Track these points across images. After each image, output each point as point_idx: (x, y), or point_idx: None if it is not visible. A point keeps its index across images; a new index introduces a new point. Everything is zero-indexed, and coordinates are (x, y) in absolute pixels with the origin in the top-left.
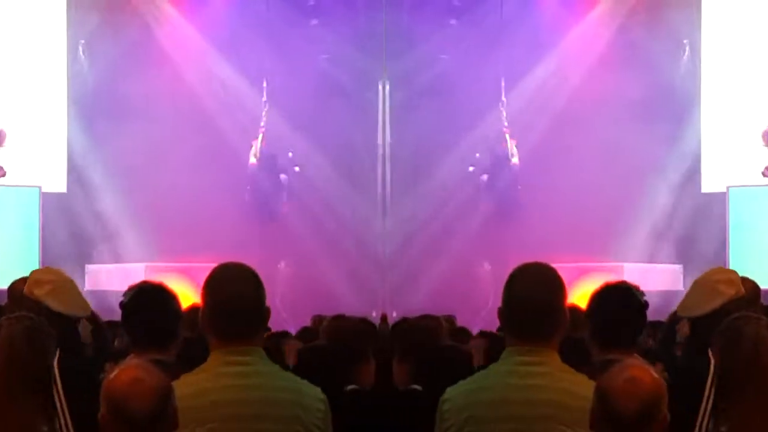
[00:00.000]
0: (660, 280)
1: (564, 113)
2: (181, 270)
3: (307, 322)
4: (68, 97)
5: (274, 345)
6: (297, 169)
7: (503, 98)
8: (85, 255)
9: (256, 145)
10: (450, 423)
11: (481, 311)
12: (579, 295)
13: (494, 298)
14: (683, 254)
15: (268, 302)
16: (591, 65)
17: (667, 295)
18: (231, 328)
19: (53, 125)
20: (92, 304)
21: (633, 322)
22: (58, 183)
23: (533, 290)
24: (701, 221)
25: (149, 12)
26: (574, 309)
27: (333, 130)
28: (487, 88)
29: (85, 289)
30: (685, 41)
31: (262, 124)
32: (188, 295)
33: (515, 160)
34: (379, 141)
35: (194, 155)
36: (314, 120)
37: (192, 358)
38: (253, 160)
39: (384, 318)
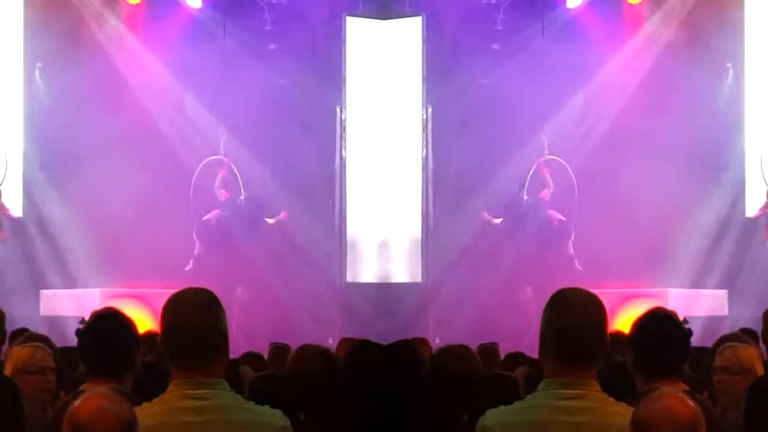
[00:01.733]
0: (705, 306)
1: (606, 138)
2: (137, 295)
3: (265, 349)
4: (24, 121)
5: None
6: (270, 221)
7: (544, 128)
8: (39, 280)
9: (230, 180)
10: None
11: (524, 338)
12: (623, 322)
13: (537, 324)
14: (728, 280)
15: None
16: (633, 90)
17: (712, 321)
18: (186, 354)
19: (8, 149)
20: (47, 330)
21: (677, 352)
22: (13, 207)
23: (581, 316)
24: (746, 246)
25: (106, 37)
26: (618, 334)
27: (290, 154)
28: (529, 114)
29: (39, 314)
30: (728, 65)
31: (222, 153)
32: (144, 321)
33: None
34: (336, 166)
35: (151, 180)
36: (271, 145)
37: (147, 385)
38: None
39: (339, 344)
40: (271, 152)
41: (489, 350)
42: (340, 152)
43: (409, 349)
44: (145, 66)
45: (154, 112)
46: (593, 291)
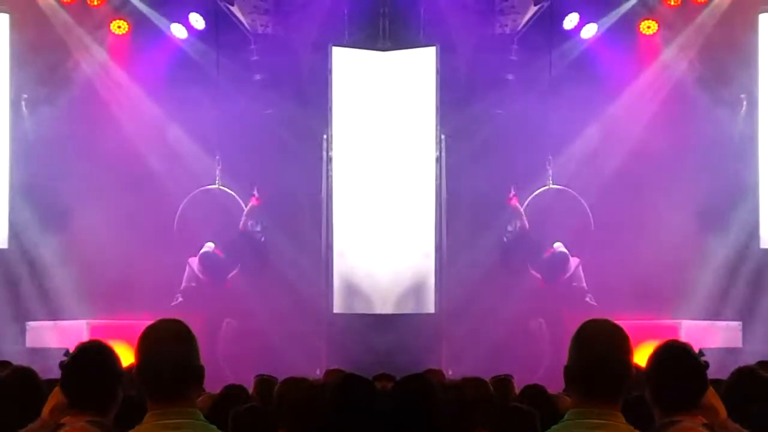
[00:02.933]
0: (719, 337)
1: (620, 169)
2: (124, 327)
3: (250, 380)
4: (9, 152)
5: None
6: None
7: (550, 156)
8: (25, 312)
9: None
10: None
11: (538, 369)
12: (637, 354)
13: (551, 356)
14: (742, 311)
15: (213, 360)
16: (647, 121)
17: (727, 353)
18: (159, 387)
19: None
20: (33, 362)
21: (694, 385)
22: None
23: (607, 349)
24: (761, 278)
25: (92, 68)
26: (635, 367)
27: (276, 184)
28: (544, 144)
29: (26, 346)
30: (742, 96)
31: (217, 182)
32: (130, 354)
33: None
34: (322, 195)
35: (138, 211)
36: (257, 174)
37: (130, 418)
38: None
39: (325, 375)
40: (257, 182)
41: (504, 383)
42: (327, 182)
43: (422, 383)
44: (130, 96)
45: (140, 142)
46: None
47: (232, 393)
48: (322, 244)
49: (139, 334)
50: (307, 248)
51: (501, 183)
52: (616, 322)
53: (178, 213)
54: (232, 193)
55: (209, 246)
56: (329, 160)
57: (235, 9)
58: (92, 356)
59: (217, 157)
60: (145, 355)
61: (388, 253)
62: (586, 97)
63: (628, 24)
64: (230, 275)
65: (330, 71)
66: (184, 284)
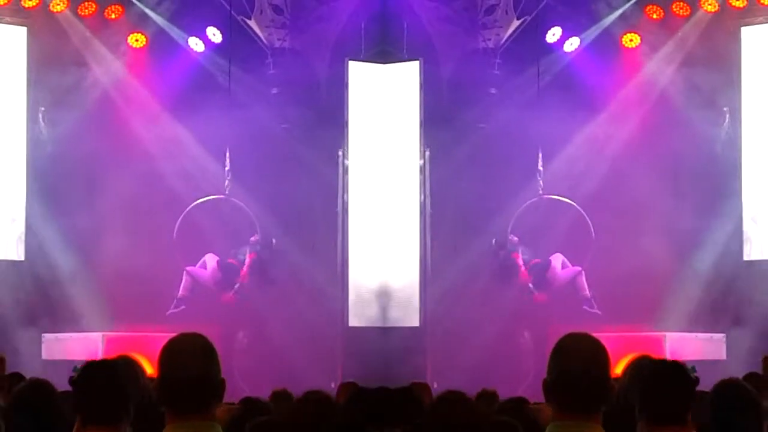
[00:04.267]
0: (703, 349)
1: (603, 182)
2: (140, 340)
3: (265, 393)
4: (27, 165)
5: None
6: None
7: (540, 167)
8: (41, 324)
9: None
10: None
11: (522, 382)
12: (620, 365)
13: (535, 368)
14: (726, 323)
15: (229, 373)
16: (631, 133)
17: (710, 365)
18: (180, 400)
19: (11, 193)
20: (49, 375)
21: (684, 400)
22: (16, 250)
23: (585, 363)
24: (743, 290)
25: (109, 81)
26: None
27: (292, 198)
28: (526, 157)
29: (41, 358)
30: (725, 108)
31: (226, 193)
32: (146, 366)
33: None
34: (338, 209)
35: (154, 223)
36: (274, 188)
37: (147, 430)
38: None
39: (340, 389)
40: (274, 196)
41: (488, 396)
42: (343, 196)
43: (408, 396)
44: (147, 109)
45: (157, 155)
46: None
47: (251, 406)
48: (338, 257)
49: (154, 346)
50: (322, 261)
51: (487, 196)
52: (601, 334)
53: (178, 222)
54: (241, 203)
55: (211, 257)
56: (345, 173)
57: (252, 23)
58: (102, 372)
59: (227, 168)
60: (166, 368)
61: (397, 264)
62: (569, 110)
63: (610, 37)
64: (239, 285)
65: (346, 85)
66: (180, 292)
